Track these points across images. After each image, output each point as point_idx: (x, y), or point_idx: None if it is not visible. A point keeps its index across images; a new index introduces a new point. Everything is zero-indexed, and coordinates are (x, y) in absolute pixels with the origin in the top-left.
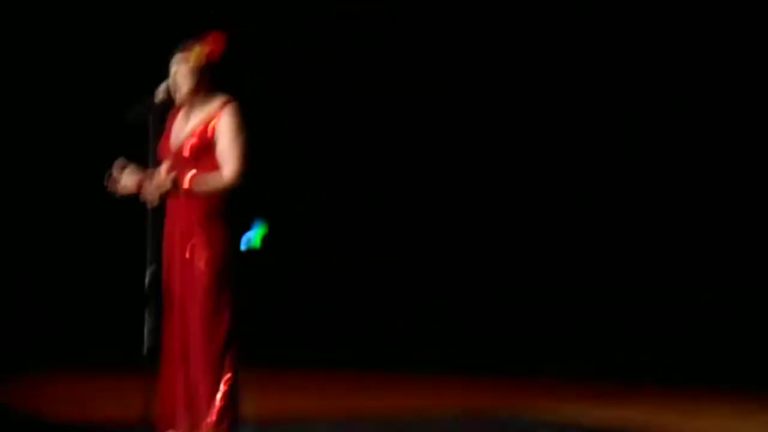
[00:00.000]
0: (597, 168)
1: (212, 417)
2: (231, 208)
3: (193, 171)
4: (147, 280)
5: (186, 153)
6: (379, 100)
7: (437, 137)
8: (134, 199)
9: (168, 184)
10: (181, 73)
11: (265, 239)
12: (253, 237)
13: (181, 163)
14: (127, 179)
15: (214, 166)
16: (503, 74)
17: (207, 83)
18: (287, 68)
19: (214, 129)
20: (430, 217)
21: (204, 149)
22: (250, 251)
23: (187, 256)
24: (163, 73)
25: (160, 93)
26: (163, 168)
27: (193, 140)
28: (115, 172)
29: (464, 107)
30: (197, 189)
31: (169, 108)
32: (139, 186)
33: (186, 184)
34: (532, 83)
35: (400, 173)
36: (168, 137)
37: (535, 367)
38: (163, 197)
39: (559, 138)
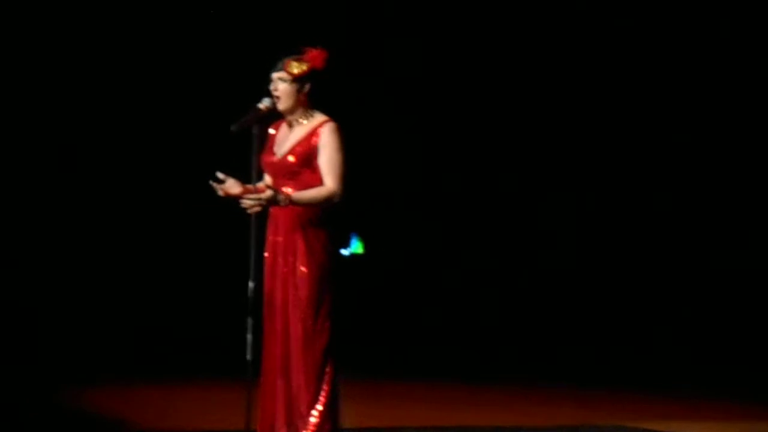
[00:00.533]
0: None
1: (312, 427)
2: (332, 218)
3: (296, 183)
4: (249, 291)
5: (287, 166)
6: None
7: (551, 144)
8: (237, 212)
9: (270, 195)
10: (281, 87)
11: (366, 248)
12: (355, 244)
13: (282, 176)
14: (230, 186)
15: (315, 179)
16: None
17: (307, 99)
18: (388, 84)
19: (315, 144)
20: (542, 228)
21: (305, 163)
22: (353, 257)
23: (290, 265)
24: (267, 86)
25: (263, 105)
26: (266, 180)
27: (295, 154)
28: (218, 177)
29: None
30: (300, 200)
31: (271, 120)
32: (242, 194)
33: (289, 196)
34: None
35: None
36: (270, 150)
37: (647, 381)
38: (265, 208)
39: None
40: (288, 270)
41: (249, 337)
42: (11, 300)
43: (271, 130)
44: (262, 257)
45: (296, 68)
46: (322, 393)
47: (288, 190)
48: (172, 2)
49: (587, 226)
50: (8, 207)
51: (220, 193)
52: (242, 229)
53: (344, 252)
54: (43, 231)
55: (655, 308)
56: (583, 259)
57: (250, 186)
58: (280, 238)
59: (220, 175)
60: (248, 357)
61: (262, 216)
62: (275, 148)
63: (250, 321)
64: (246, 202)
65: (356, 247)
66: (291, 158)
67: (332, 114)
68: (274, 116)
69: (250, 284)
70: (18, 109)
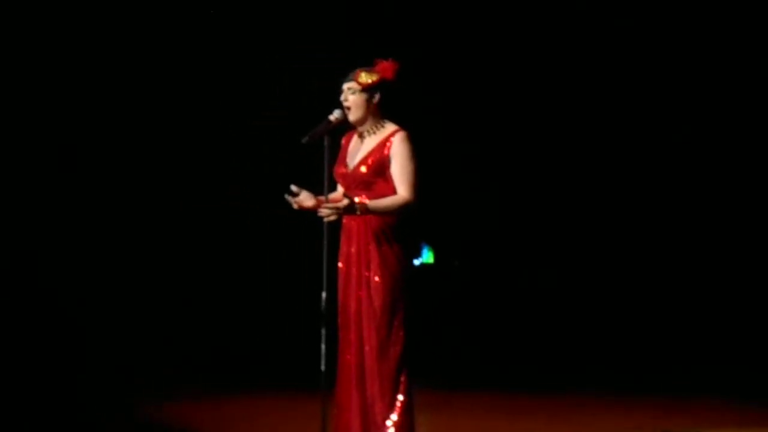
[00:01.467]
0: None
1: None
2: (404, 228)
3: (369, 193)
4: (322, 302)
5: (359, 177)
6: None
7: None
8: (310, 223)
9: (347, 203)
10: (351, 97)
11: (436, 258)
12: (426, 254)
13: (355, 186)
14: (304, 199)
15: (388, 189)
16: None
17: (378, 109)
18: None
19: (387, 153)
20: (603, 237)
21: (377, 173)
22: (424, 267)
23: (364, 276)
24: (338, 97)
25: (333, 117)
26: (339, 190)
27: (367, 165)
28: (293, 190)
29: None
30: (376, 208)
31: (342, 131)
32: (317, 206)
33: (365, 204)
34: None
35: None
36: (342, 162)
37: (698, 387)
38: (340, 217)
39: None
40: (362, 280)
41: (323, 347)
42: (91, 312)
43: (343, 141)
44: (335, 268)
45: (366, 78)
46: (397, 403)
47: (368, 203)
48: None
49: (656, 230)
50: (89, 219)
51: (295, 206)
52: (315, 240)
53: (415, 262)
54: (123, 243)
55: (737, 314)
56: (656, 266)
57: (322, 197)
58: (353, 249)
59: (294, 188)
60: (322, 367)
61: (335, 227)
62: (347, 160)
63: (323, 331)
64: (323, 211)
65: (427, 257)
66: (363, 169)
67: (403, 123)
68: (345, 127)
69: (323, 295)
70: (91, 118)
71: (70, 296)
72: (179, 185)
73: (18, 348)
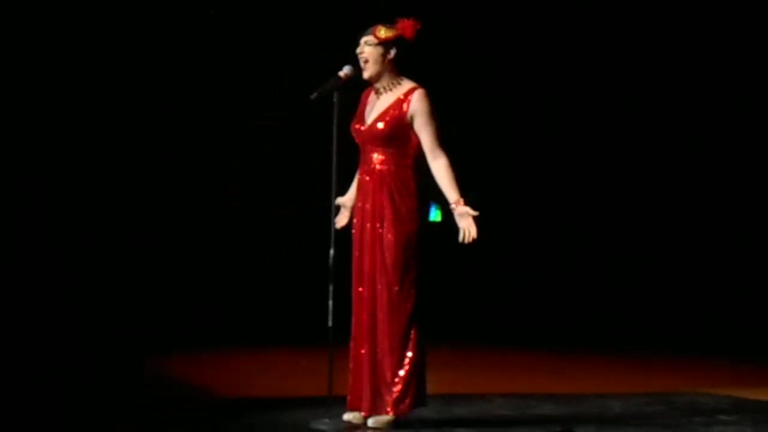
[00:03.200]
0: None
1: (395, 394)
2: (419, 186)
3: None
4: (330, 259)
5: (376, 133)
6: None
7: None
8: (320, 182)
9: (462, 212)
10: (368, 50)
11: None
12: (434, 213)
13: (371, 142)
14: (342, 219)
15: (405, 146)
16: None
17: (395, 67)
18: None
19: (406, 110)
20: (627, 202)
21: (394, 129)
22: (432, 225)
23: (377, 232)
24: (350, 54)
25: (343, 73)
26: (348, 195)
27: (384, 121)
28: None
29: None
30: (456, 189)
31: (353, 88)
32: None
33: (459, 200)
34: None
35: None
36: (360, 117)
37: (713, 348)
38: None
39: None
40: (375, 237)
41: (330, 303)
42: (101, 267)
43: (363, 97)
44: (347, 225)
45: (384, 32)
46: (407, 359)
47: (453, 197)
48: None
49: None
50: (98, 178)
51: (338, 227)
52: (325, 197)
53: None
54: (131, 201)
55: (741, 274)
56: (674, 228)
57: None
58: (368, 205)
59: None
60: (330, 323)
61: (343, 184)
62: (365, 116)
63: (331, 288)
64: (467, 237)
65: (435, 215)
66: (380, 125)
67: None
68: (360, 84)
69: (331, 252)
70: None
71: (81, 253)
72: (178, 186)
73: (23, 306)
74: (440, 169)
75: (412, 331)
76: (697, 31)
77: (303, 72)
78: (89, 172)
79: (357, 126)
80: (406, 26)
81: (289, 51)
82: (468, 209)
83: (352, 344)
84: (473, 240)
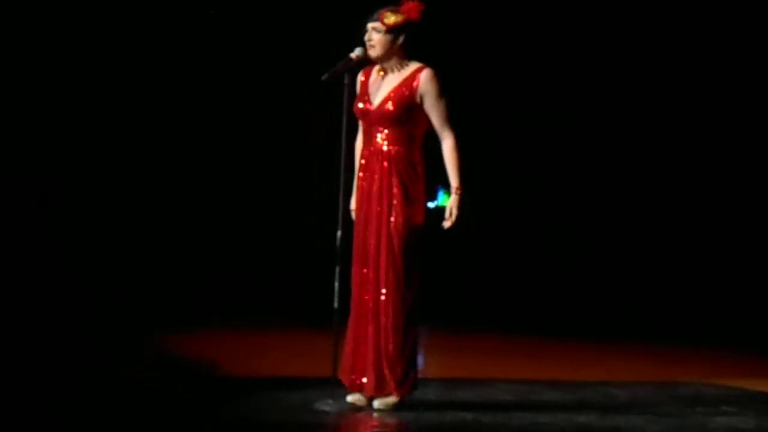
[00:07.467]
0: None
1: (398, 376)
2: (425, 169)
3: (391, 131)
4: (337, 240)
5: (386, 113)
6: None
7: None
8: (327, 161)
9: (454, 201)
10: (376, 37)
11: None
12: (441, 197)
13: (378, 124)
14: None
15: (413, 126)
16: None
17: (401, 48)
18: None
19: (415, 89)
20: (626, 193)
21: (403, 110)
22: (439, 209)
23: (384, 213)
24: (360, 35)
25: (354, 55)
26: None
27: (393, 101)
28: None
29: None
30: (458, 175)
31: (363, 69)
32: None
33: (458, 188)
34: None
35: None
36: (362, 97)
37: (719, 339)
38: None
39: None
40: (383, 219)
41: (336, 285)
42: (108, 246)
43: (360, 77)
44: (348, 207)
45: (392, 19)
46: (408, 341)
47: (453, 183)
48: None
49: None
50: (108, 165)
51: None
52: (333, 178)
53: (431, 204)
54: (139, 180)
55: (750, 267)
56: (673, 218)
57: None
58: (375, 187)
59: None
60: (335, 305)
61: (352, 166)
62: (370, 96)
63: (337, 269)
64: (449, 225)
65: (442, 199)
66: (390, 105)
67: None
68: (365, 64)
69: (338, 233)
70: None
71: (90, 230)
72: (179, 185)
73: (32, 281)
74: (446, 150)
75: (415, 313)
76: (697, 31)
77: (303, 72)
78: (97, 153)
79: (365, 106)
80: (411, 8)
81: (289, 51)
82: (453, 205)
83: (352, 324)
84: (451, 226)
